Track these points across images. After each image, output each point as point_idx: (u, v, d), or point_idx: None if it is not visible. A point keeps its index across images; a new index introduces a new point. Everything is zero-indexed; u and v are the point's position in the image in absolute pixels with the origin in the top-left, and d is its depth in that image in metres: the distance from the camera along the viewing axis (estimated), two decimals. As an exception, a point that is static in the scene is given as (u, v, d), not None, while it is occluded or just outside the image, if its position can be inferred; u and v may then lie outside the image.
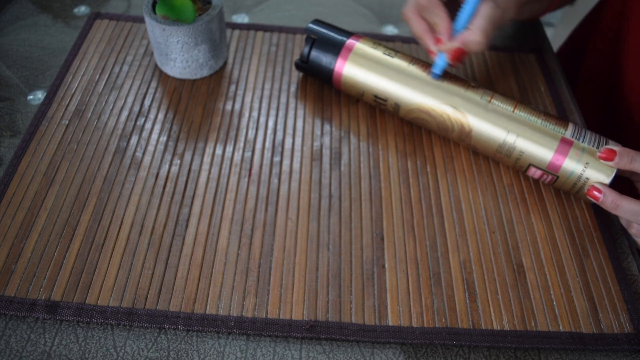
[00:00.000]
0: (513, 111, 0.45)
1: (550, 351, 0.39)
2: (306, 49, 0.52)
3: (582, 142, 0.44)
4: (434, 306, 0.40)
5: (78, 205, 0.43)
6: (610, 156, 0.43)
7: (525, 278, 0.42)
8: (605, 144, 0.44)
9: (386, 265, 0.42)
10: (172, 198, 0.45)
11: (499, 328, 0.39)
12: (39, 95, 0.52)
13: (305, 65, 0.52)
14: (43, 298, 0.38)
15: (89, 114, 0.50)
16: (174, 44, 0.51)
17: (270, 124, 0.51)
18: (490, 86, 0.56)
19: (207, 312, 0.38)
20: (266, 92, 0.54)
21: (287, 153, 0.49)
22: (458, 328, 0.39)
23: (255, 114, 0.52)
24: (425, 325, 0.39)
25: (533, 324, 0.39)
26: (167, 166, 0.47)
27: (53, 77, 0.54)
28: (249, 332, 0.38)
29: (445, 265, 0.42)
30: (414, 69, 0.48)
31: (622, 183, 0.46)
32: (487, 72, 0.58)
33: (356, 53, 0.50)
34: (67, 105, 0.51)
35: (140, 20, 0.60)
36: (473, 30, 0.45)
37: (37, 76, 0.54)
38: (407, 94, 0.48)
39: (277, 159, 0.48)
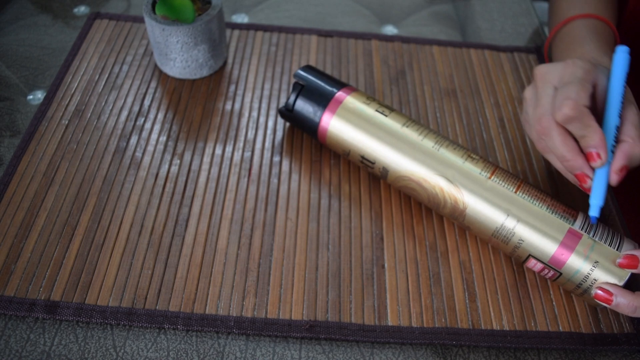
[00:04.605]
0: (515, 192, 0.40)
1: (549, 351, 0.39)
2: (292, 97, 0.47)
3: (593, 236, 0.38)
4: (434, 306, 0.40)
5: (78, 205, 0.43)
6: (633, 263, 0.37)
7: (525, 278, 0.42)
8: (620, 241, 0.38)
9: (386, 265, 0.42)
10: (171, 198, 0.45)
11: (498, 328, 0.39)
12: (38, 95, 0.52)
13: (289, 114, 0.48)
14: (42, 298, 0.38)
15: (89, 114, 0.50)
16: (173, 44, 0.51)
17: (270, 124, 0.51)
18: (491, 86, 0.56)
19: (207, 312, 0.38)
20: (266, 92, 0.54)
21: (286, 153, 0.49)
22: (457, 328, 0.39)
23: (255, 114, 0.52)
24: (425, 325, 0.39)
25: (532, 324, 0.39)
26: (166, 166, 0.47)
27: (53, 77, 0.54)
28: (248, 332, 0.38)
29: (445, 265, 0.42)
30: (407, 132, 0.43)
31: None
32: (487, 72, 0.58)
33: (345, 107, 0.45)
34: (67, 105, 0.51)
35: (140, 20, 0.60)
36: (634, 141, 0.37)
37: (36, 76, 0.54)
38: (397, 159, 0.43)
39: (276, 159, 0.48)
